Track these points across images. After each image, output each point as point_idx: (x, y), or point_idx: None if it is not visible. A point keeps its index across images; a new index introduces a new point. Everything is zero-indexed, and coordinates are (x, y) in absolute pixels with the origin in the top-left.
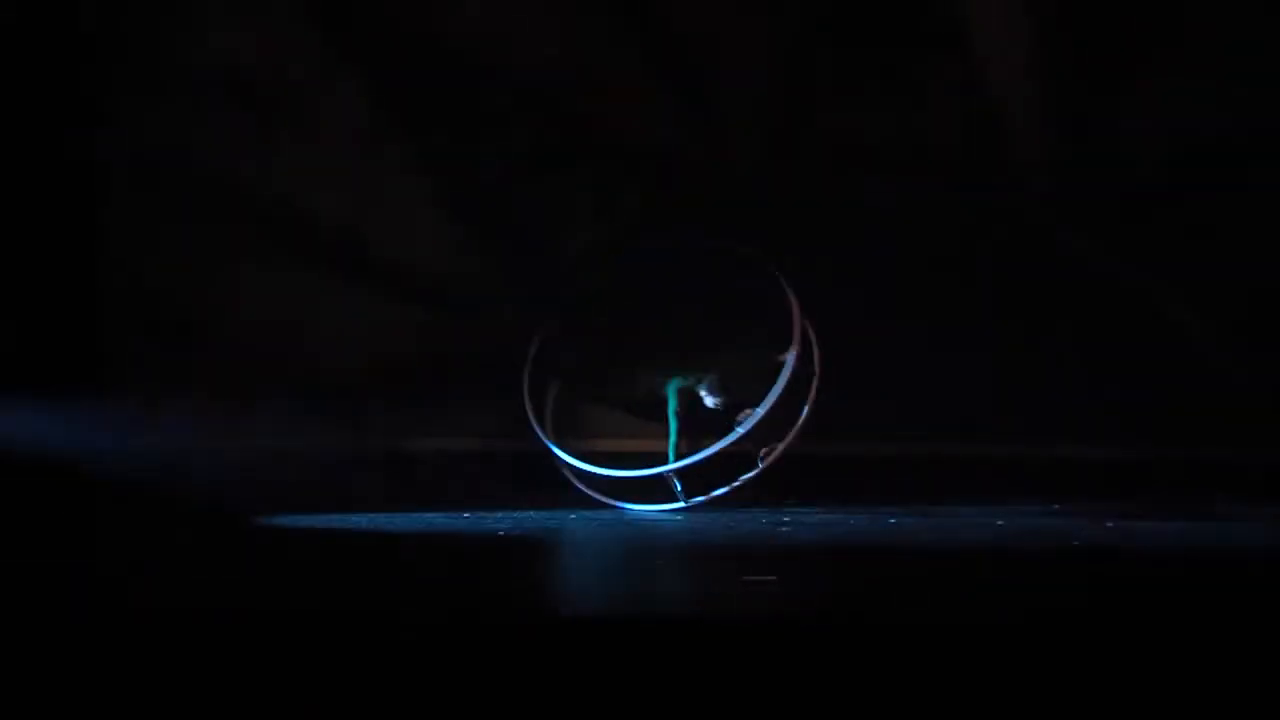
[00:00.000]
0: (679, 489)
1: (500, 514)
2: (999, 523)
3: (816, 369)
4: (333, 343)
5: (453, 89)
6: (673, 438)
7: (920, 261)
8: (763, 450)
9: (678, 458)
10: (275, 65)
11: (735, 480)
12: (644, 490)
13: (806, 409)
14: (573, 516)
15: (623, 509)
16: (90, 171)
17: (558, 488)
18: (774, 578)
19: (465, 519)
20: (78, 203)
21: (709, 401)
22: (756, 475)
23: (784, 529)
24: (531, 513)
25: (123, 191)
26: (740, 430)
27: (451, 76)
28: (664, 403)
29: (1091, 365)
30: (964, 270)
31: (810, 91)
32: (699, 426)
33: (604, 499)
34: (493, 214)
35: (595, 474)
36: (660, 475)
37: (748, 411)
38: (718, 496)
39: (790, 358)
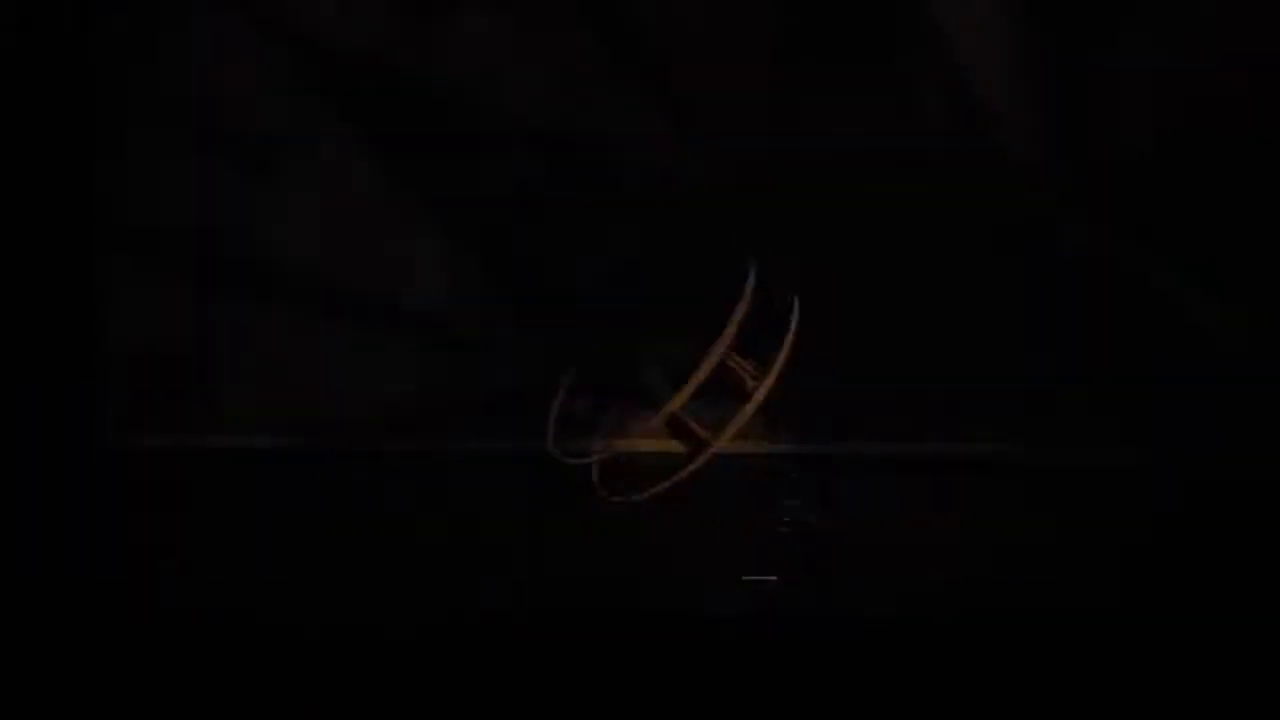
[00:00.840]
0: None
1: (499, 513)
2: (999, 522)
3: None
4: (333, 385)
5: (446, 125)
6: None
7: (916, 261)
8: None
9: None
10: (267, 111)
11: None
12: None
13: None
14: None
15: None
16: (89, 223)
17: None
18: (774, 578)
19: (464, 518)
20: (76, 254)
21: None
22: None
23: (784, 529)
24: (529, 510)
25: (123, 251)
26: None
27: (444, 113)
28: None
29: (1090, 364)
30: (961, 269)
31: (800, 106)
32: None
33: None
34: (491, 249)
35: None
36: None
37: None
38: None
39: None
